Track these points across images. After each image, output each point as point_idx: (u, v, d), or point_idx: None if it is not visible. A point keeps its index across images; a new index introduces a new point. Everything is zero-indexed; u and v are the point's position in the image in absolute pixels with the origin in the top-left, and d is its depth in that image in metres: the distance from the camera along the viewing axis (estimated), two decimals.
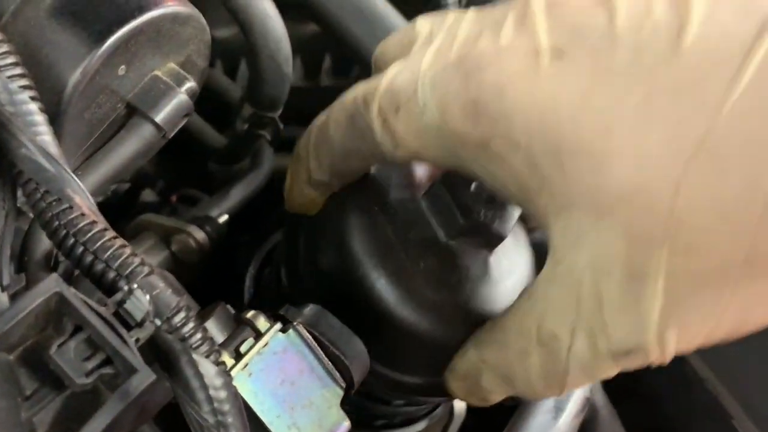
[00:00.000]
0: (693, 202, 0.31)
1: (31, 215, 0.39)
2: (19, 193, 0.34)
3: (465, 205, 0.43)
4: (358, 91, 0.40)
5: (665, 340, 0.34)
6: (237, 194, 0.64)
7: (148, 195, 0.80)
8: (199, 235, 0.56)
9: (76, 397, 0.31)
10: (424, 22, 0.41)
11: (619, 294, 0.33)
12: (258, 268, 0.58)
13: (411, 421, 0.56)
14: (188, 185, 0.81)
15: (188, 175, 0.81)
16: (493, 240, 0.45)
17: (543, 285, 0.37)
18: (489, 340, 0.41)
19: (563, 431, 0.52)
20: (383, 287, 0.43)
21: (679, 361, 0.75)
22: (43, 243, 0.38)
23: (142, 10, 0.38)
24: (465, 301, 0.44)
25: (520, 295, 0.41)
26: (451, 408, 0.69)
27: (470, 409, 0.70)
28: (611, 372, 0.37)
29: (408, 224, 0.44)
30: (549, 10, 0.35)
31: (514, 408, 0.70)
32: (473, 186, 0.43)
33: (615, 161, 0.32)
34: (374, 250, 0.43)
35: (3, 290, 0.34)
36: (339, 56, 0.84)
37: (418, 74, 0.37)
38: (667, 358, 0.35)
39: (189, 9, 0.41)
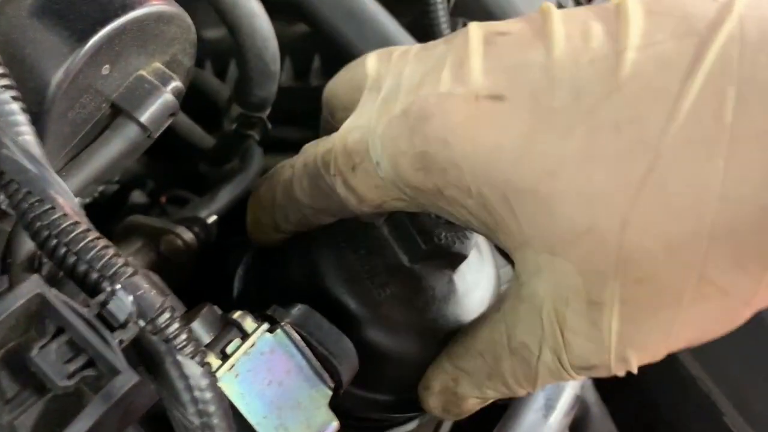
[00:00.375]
0: (640, 237, 0.32)
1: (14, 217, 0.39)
2: (1, 195, 0.34)
3: (425, 231, 0.44)
4: (318, 152, 0.41)
5: (626, 358, 0.35)
6: (226, 195, 0.64)
7: (137, 196, 0.79)
8: (187, 235, 0.55)
9: (59, 399, 0.31)
10: (371, 61, 0.41)
11: (578, 320, 0.35)
12: (246, 269, 0.57)
13: (400, 422, 0.55)
14: (178, 186, 0.80)
15: (178, 176, 0.80)
16: (456, 260, 0.47)
17: (511, 301, 0.38)
18: (462, 351, 0.42)
19: (554, 429, 0.52)
20: (353, 315, 0.44)
21: (671, 359, 0.75)
22: (27, 244, 0.38)
23: (125, 8, 0.38)
24: (433, 320, 0.46)
25: (491, 307, 0.43)
26: None
27: None
28: (580, 378, 0.39)
29: (372, 252, 0.45)
30: (486, 48, 0.35)
31: (504, 407, 0.71)
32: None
33: (561, 202, 0.33)
34: (342, 280, 0.44)
35: None
36: (328, 56, 0.84)
37: (367, 132, 0.38)
38: (633, 370, 0.36)
39: (174, 8, 0.40)
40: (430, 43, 0.39)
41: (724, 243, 0.32)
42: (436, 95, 0.36)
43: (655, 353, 0.35)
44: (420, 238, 0.44)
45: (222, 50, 0.81)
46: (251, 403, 0.37)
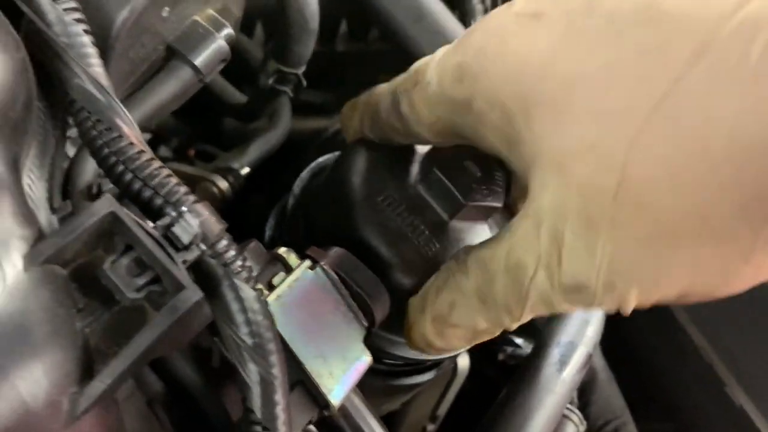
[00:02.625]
0: (645, 160, 0.33)
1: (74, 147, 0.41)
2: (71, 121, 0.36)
3: (461, 186, 0.46)
4: (399, 77, 0.45)
5: (614, 287, 0.35)
6: (256, 149, 0.66)
7: (163, 151, 0.81)
8: (223, 184, 0.57)
9: (124, 312, 0.33)
10: None
11: (573, 238, 0.35)
12: (278, 219, 0.59)
13: (419, 370, 0.58)
14: (201, 141, 0.82)
15: (202, 131, 0.82)
16: (489, 211, 0.49)
17: (517, 220, 0.39)
18: (461, 270, 0.41)
19: (568, 383, 0.55)
20: (399, 276, 0.46)
21: (676, 330, 0.78)
22: (86, 174, 0.40)
23: None
24: None
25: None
26: (455, 366, 0.71)
27: (473, 368, 0.72)
28: (567, 308, 0.38)
29: (412, 210, 0.47)
30: None
31: (514, 368, 0.73)
32: (467, 167, 0.47)
33: (573, 117, 0.34)
34: (388, 239, 0.46)
35: (53, 212, 0.36)
36: (355, 21, 0.86)
37: (429, 56, 0.42)
38: (625, 308, 0.36)
39: None
40: None
41: (728, 184, 0.32)
42: (485, 18, 0.39)
43: (645, 293, 0.35)
44: (458, 193, 0.46)
45: (250, 10, 0.83)
46: (293, 332, 0.39)
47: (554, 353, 0.56)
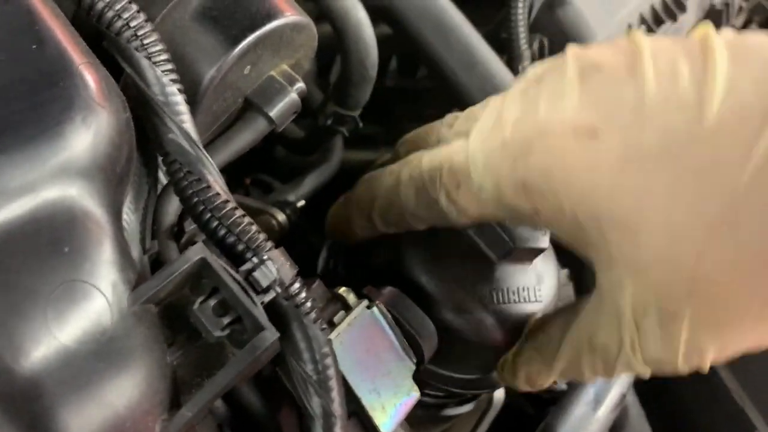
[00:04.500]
0: (713, 268, 0.37)
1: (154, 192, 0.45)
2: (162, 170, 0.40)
3: (508, 229, 0.50)
4: (425, 166, 0.47)
5: (692, 360, 0.40)
6: (310, 182, 0.70)
7: None
8: (281, 217, 0.61)
9: (207, 347, 0.37)
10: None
11: (654, 329, 0.40)
12: (329, 253, 0.63)
13: (461, 402, 0.61)
14: (253, 168, 0.86)
15: (254, 160, 0.86)
16: (535, 253, 0.52)
17: (591, 313, 0.44)
18: (548, 347, 0.48)
19: (602, 422, 0.57)
20: (449, 314, 0.50)
21: (708, 371, 0.79)
22: (169, 216, 0.44)
23: (270, 18, 0.44)
24: (516, 311, 0.52)
25: (567, 308, 0.49)
26: (490, 398, 0.74)
27: (508, 400, 0.75)
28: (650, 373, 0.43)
29: (463, 256, 0.51)
30: (582, 83, 0.40)
31: (548, 401, 0.75)
32: None
33: (647, 234, 0.38)
34: (441, 282, 0.50)
35: (145, 253, 0.40)
36: (405, 59, 0.89)
37: (470, 156, 0.43)
38: (703, 368, 0.41)
39: (306, 19, 0.46)
40: (527, 76, 0.44)
41: None
42: (537, 129, 0.40)
43: (718, 358, 0.40)
44: (505, 235, 0.49)
45: None
46: (351, 367, 0.43)
47: (590, 392, 0.59)
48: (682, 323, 0.38)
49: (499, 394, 0.74)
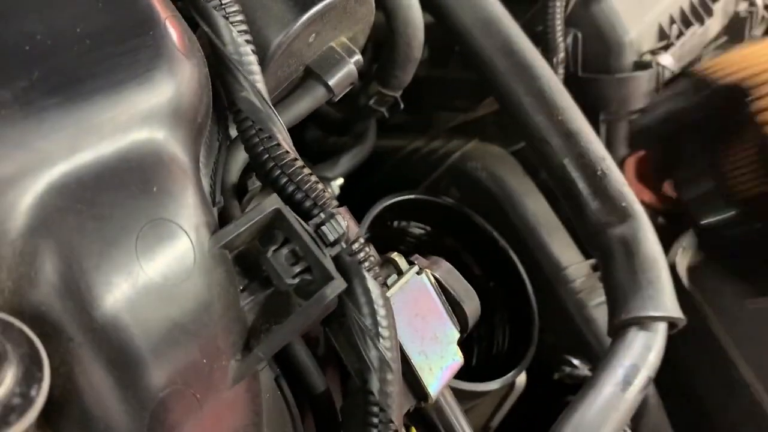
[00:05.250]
0: None
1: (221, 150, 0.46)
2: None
3: None
4: None
5: None
6: (346, 162, 0.72)
7: None
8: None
9: (276, 297, 0.38)
10: None
11: None
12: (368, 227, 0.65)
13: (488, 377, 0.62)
14: None
15: None
16: None
17: None
18: None
19: (630, 402, 0.58)
20: None
21: (727, 366, 0.80)
22: (233, 173, 0.45)
23: None
24: None
25: None
26: (512, 381, 0.75)
27: (529, 383, 0.76)
28: None
29: None
30: None
31: (569, 387, 0.77)
32: None
33: None
34: None
35: (214, 206, 0.41)
36: (437, 49, 0.91)
37: None
38: None
39: None
40: None
41: None
42: None
43: None
44: None
45: None
46: (402, 328, 0.44)
47: (619, 374, 0.60)
48: None
49: (521, 379, 0.76)
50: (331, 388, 0.48)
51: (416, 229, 0.75)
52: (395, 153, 0.90)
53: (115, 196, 0.32)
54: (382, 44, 0.63)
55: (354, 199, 0.78)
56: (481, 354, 0.75)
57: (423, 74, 0.92)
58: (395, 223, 0.76)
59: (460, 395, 0.63)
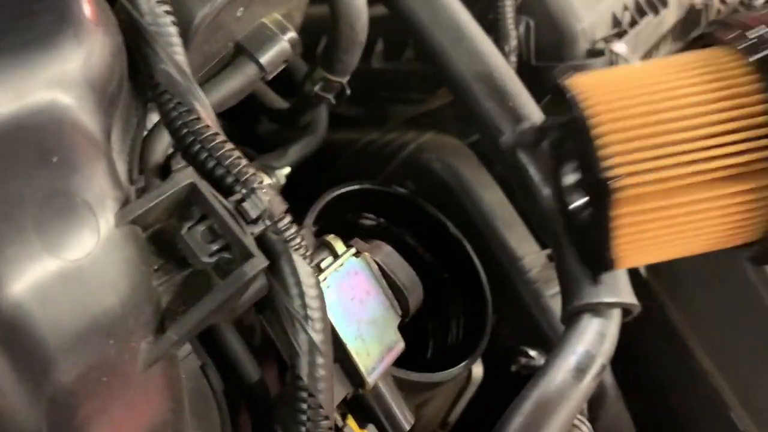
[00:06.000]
0: None
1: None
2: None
3: None
4: None
5: None
6: (296, 152, 0.70)
7: None
8: (267, 180, 0.61)
9: (192, 276, 0.36)
10: None
11: None
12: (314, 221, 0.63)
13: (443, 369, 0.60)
14: (235, 142, 0.86)
15: (237, 132, 0.86)
16: None
17: None
18: None
19: (583, 391, 0.57)
20: None
21: (685, 355, 0.80)
22: (157, 154, 0.43)
23: None
24: None
25: None
26: (469, 374, 0.74)
27: (486, 377, 0.75)
28: None
29: None
30: None
31: (527, 378, 0.76)
32: None
33: None
34: None
35: (132, 184, 0.39)
36: (391, 41, 0.90)
37: None
38: None
39: None
40: None
41: None
42: None
43: None
44: None
45: None
46: (337, 312, 0.42)
47: (571, 360, 0.58)
48: None
49: (478, 371, 0.74)
50: (270, 379, 0.46)
51: (368, 221, 0.73)
52: (350, 146, 0.88)
53: (7, 165, 0.30)
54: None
55: (308, 193, 0.76)
56: (436, 346, 0.74)
57: (377, 66, 0.91)
58: (348, 216, 0.74)
59: (412, 387, 0.61)
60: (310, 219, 0.63)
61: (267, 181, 0.61)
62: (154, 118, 0.43)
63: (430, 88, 0.89)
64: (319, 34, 0.82)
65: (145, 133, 0.43)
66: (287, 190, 0.72)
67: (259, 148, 0.81)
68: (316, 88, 0.64)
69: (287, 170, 0.65)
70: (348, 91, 0.66)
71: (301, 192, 0.74)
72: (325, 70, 0.63)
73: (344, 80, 0.64)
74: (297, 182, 0.75)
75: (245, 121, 0.85)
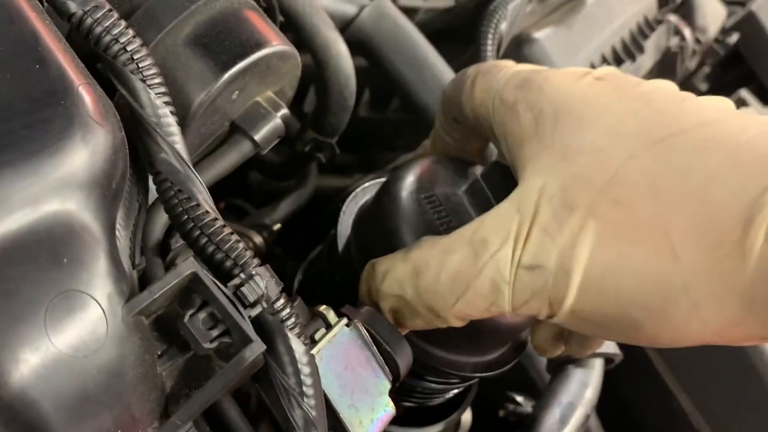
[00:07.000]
0: (634, 170, 0.40)
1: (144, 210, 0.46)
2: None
3: (500, 196, 0.48)
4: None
5: (565, 271, 0.40)
6: (286, 207, 0.72)
7: None
8: (258, 239, 0.63)
9: (195, 360, 0.38)
10: None
11: (549, 216, 0.41)
12: (305, 273, 0.65)
13: (429, 420, 0.62)
14: (227, 193, 0.88)
15: (227, 185, 0.88)
16: None
17: (495, 207, 0.44)
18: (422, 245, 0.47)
19: None
20: None
21: (666, 396, 0.82)
22: (156, 233, 0.45)
23: (259, 46, 0.46)
24: None
25: None
26: (458, 421, 0.76)
27: (474, 424, 0.77)
28: (514, 300, 0.43)
29: (451, 212, 0.51)
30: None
31: (514, 424, 0.77)
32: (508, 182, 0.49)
33: (594, 130, 0.42)
34: (417, 232, 0.49)
35: (134, 268, 0.41)
36: (378, 91, 0.92)
37: None
38: (566, 303, 0.41)
39: (292, 49, 0.49)
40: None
41: (694, 212, 0.38)
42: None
43: (587, 287, 0.40)
44: (494, 200, 0.49)
45: None
46: (331, 382, 0.44)
47: (555, 412, 0.61)
48: (577, 216, 0.40)
49: (467, 418, 0.76)
50: None
51: None
52: (339, 194, 0.91)
53: (23, 270, 0.32)
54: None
55: (295, 241, 0.78)
56: None
57: (364, 115, 0.93)
58: None
59: None
60: (297, 281, 0.64)
61: (258, 239, 0.63)
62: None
63: (417, 136, 0.91)
64: (308, 81, 0.84)
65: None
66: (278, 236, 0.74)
67: (251, 198, 0.84)
68: (307, 148, 0.67)
69: (277, 226, 0.67)
70: (337, 151, 0.69)
71: (288, 242, 0.76)
72: (315, 132, 0.66)
73: (333, 141, 0.67)
74: (284, 230, 0.77)
75: (238, 171, 0.87)
